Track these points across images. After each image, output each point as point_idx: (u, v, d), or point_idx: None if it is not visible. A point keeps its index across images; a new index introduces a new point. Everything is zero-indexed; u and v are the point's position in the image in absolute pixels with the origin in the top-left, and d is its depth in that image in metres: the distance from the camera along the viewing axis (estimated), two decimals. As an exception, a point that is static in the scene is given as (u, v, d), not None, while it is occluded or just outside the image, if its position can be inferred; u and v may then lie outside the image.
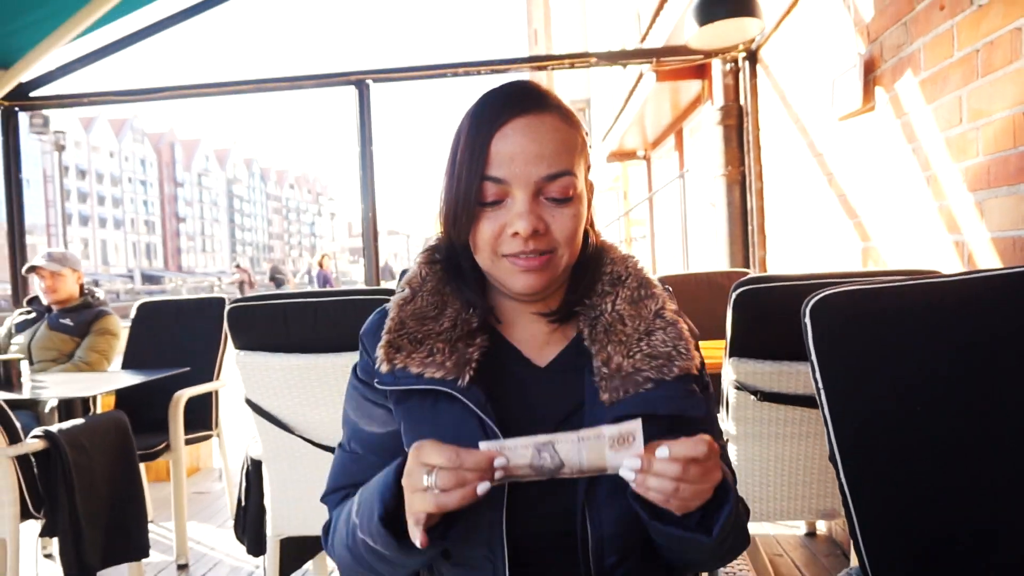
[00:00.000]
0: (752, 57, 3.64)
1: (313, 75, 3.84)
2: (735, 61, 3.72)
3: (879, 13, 2.30)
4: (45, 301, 3.28)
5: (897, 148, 2.23)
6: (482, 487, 0.66)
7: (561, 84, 19.47)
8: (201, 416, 3.11)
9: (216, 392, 3.18)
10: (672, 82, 6.17)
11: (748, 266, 3.78)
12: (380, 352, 0.83)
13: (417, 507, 0.67)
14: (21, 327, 3.31)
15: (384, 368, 0.83)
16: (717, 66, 3.80)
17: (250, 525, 2.07)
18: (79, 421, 2.29)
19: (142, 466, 2.54)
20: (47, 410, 2.89)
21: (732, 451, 1.78)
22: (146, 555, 2.38)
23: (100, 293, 3.48)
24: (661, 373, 0.81)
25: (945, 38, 1.90)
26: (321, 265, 16.04)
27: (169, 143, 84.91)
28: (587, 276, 0.88)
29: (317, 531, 1.98)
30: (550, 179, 0.78)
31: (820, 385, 1.03)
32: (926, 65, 2.02)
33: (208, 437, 3.16)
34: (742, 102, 3.74)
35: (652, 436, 0.82)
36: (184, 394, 2.82)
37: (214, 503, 3.54)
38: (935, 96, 1.98)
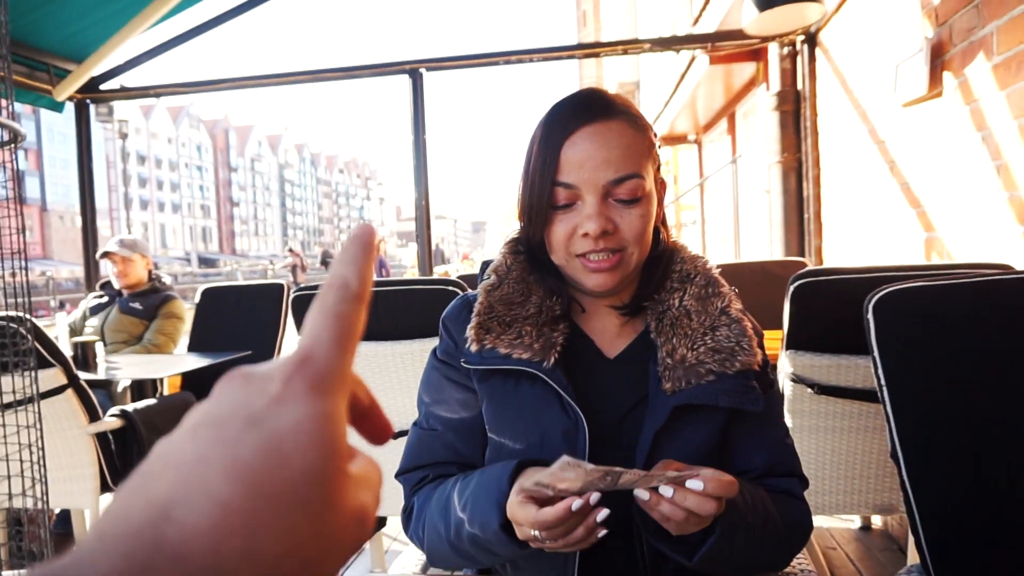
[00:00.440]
0: (811, 41, 3.55)
1: (368, 65, 3.90)
2: (793, 45, 3.63)
3: (948, -5, 2.22)
4: (116, 285, 3.43)
5: (965, 135, 2.16)
6: (601, 516, 0.72)
7: (610, 67, 19.20)
8: (262, 398, 3.22)
9: (276, 375, 3.28)
10: (725, 65, 6.04)
11: (803, 255, 3.71)
12: (470, 332, 0.88)
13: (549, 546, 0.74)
14: (95, 310, 3.48)
15: (474, 348, 0.88)
16: (774, 50, 3.72)
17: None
18: (152, 401, 2.41)
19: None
20: (119, 390, 3.05)
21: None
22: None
23: (166, 278, 3.63)
24: (723, 367, 0.85)
25: (1020, 22, 1.83)
26: (377, 249, 16.54)
27: (224, 129, 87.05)
28: (658, 272, 0.92)
29: (382, 512, 2.06)
30: (617, 182, 0.83)
31: (883, 382, 1.03)
32: (999, 49, 1.94)
33: (268, 418, 3.27)
34: (799, 87, 3.65)
35: (711, 426, 0.87)
36: (247, 376, 2.92)
37: (273, 481, 3.67)
38: (1009, 82, 1.91)
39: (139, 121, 69.94)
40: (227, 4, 4.08)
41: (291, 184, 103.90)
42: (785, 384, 1.75)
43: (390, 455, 1.93)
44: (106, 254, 3.40)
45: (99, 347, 2.88)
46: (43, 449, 1.41)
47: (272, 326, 3.29)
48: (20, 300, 1.45)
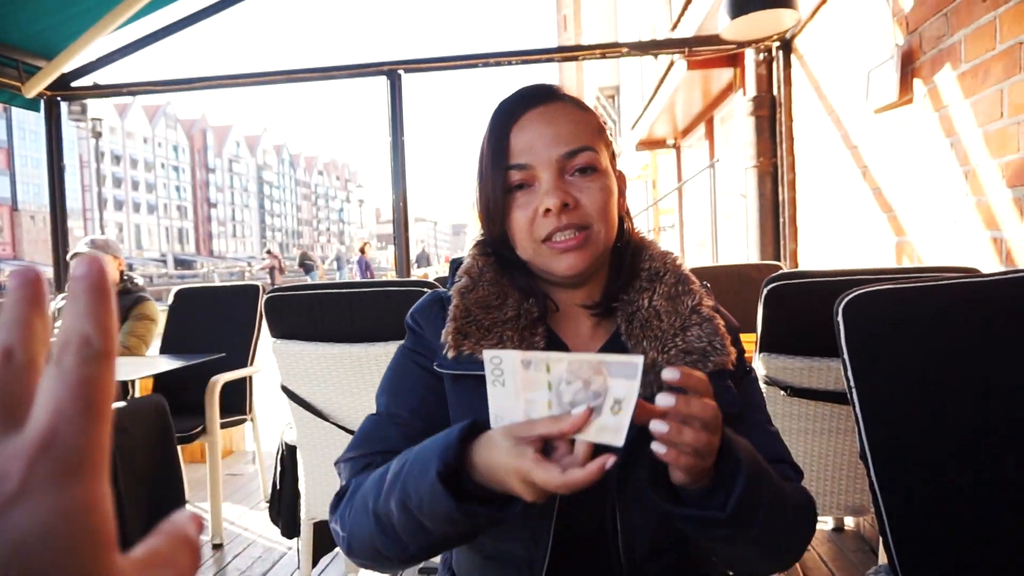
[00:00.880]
0: (786, 47, 3.59)
1: (346, 66, 3.88)
2: (769, 51, 3.67)
3: (919, 3, 2.26)
4: (86, 286, 3.37)
5: (935, 142, 2.19)
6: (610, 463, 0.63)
7: (591, 71, 19.29)
8: (236, 400, 3.19)
9: (250, 377, 3.25)
10: (703, 70, 6.10)
11: (779, 259, 3.75)
12: (448, 338, 0.85)
13: (530, 494, 0.66)
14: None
15: (451, 353, 0.84)
16: (750, 56, 3.76)
17: (285, 508, 2.13)
18: (121, 404, 2.37)
19: (179, 448, 2.62)
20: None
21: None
22: (184, 534, 2.45)
23: (139, 279, 3.57)
24: (695, 369, 0.81)
25: (987, 30, 1.87)
26: (363, 252, 16.61)
27: (201, 129, 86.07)
28: (626, 266, 0.90)
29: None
30: (571, 155, 0.82)
31: (852, 383, 1.04)
32: (967, 57, 1.98)
33: (242, 421, 3.24)
34: (775, 92, 3.69)
35: None
36: (220, 379, 2.89)
37: (247, 485, 3.63)
38: (975, 89, 1.94)
39: (114, 120, 68.92)
40: (203, 2, 4.03)
41: (270, 185, 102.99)
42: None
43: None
44: (76, 255, 3.34)
45: (68, 349, 2.82)
46: None
47: (247, 328, 3.25)
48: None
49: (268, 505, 2.26)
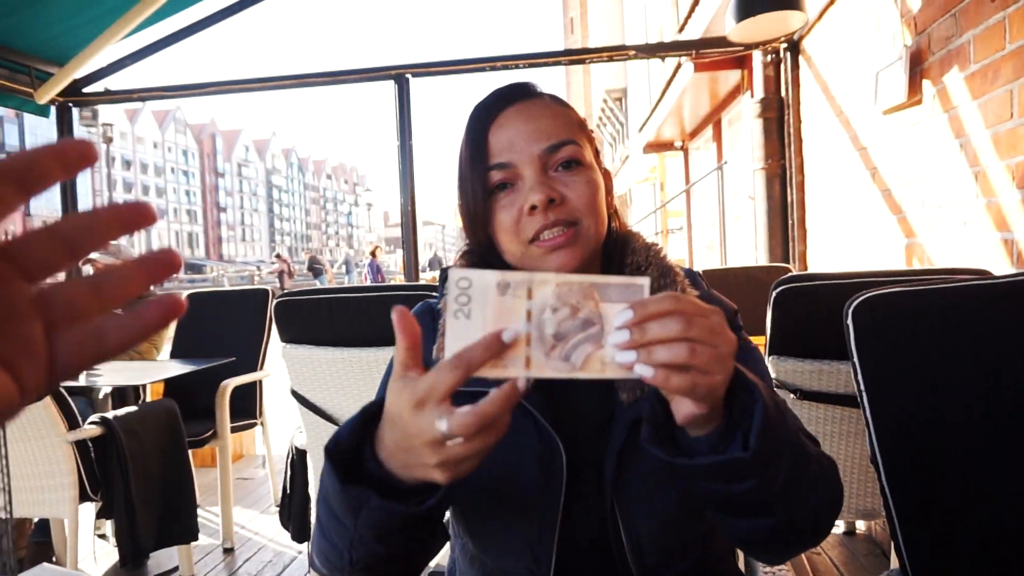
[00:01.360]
0: (794, 48, 3.58)
1: (353, 70, 3.90)
2: (776, 52, 3.66)
3: (927, 4, 2.25)
4: (98, 292, 3.40)
5: (944, 143, 2.18)
6: (520, 382, 0.52)
7: (598, 74, 19.30)
8: (246, 405, 3.20)
9: (260, 382, 3.26)
10: (710, 72, 6.09)
11: (788, 261, 3.74)
12: (440, 355, 0.82)
13: (434, 460, 0.54)
14: (76, 316, 3.44)
15: None
16: (757, 57, 3.75)
17: (295, 512, 2.14)
18: (133, 409, 2.38)
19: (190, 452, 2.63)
20: (101, 396, 3.01)
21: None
22: (195, 538, 2.47)
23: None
24: None
25: (996, 30, 1.86)
26: (373, 255, 16.72)
27: (210, 134, 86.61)
28: (615, 263, 0.86)
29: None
30: (552, 150, 0.78)
31: (862, 387, 1.03)
32: (976, 58, 1.97)
33: (252, 425, 3.25)
34: (783, 94, 3.69)
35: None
36: (231, 383, 2.90)
37: (257, 489, 3.64)
38: (985, 90, 1.94)
39: (124, 125, 69.42)
40: (212, 8, 4.07)
41: (279, 189, 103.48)
42: (768, 389, 1.76)
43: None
44: (88, 260, 3.37)
45: (80, 354, 2.84)
46: (7, 458, 1.38)
47: (256, 332, 3.27)
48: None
49: (279, 509, 2.26)
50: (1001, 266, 1.88)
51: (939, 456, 1.01)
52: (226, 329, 3.34)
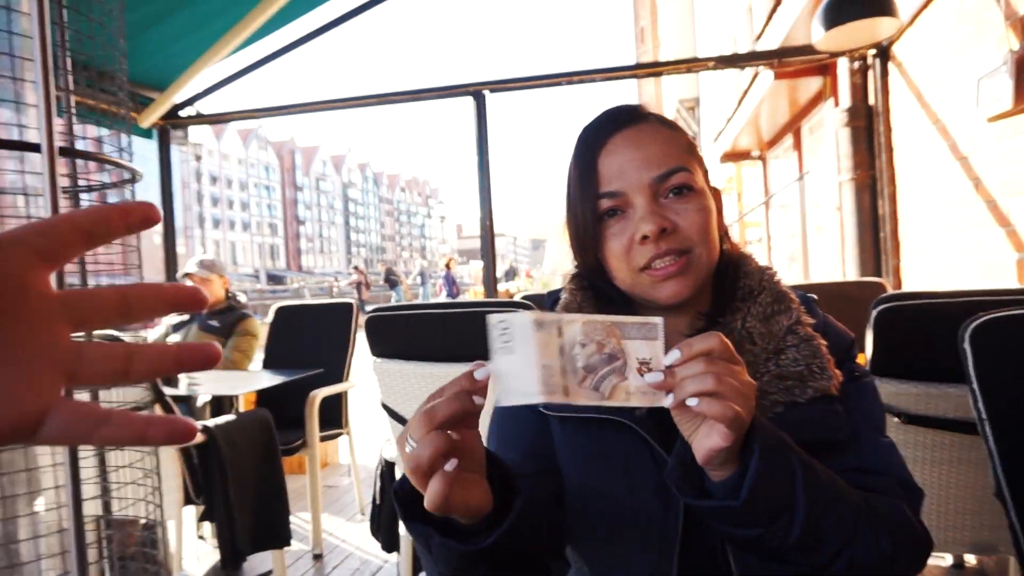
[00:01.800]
0: (883, 55, 3.45)
1: (434, 88, 3.99)
2: (864, 59, 3.54)
3: (1037, 6, 2.13)
4: (196, 304, 3.59)
5: (1058, 152, 2.06)
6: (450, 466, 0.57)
7: (669, 84, 19.06)
8: (332, 415, 3.30)
9: (346, 392, 3.36)
10: (790, 80, 5.93)
11: (879, 275, 3.59)
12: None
13: (405, 468, 0.59)
14: (176, 327, 3.64)
15: None
16: (843, 65, 3.63)
17: (384, 523, 2.19)
18: (231, 417, 2.50)
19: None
20: (199, 404, 3.17)
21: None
22: (288, 544, 2.56)
23: (241, 297, 3.77)
24: (792, 395, 0.75)
25: (1119, 33, 1.75)
26: (448, 267, 16.90)
27: (290, 150, 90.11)
28: (727, 286, 0.84)
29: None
30: (663, 178, 0.78)
31: (983, 415, 0.99)
32: (1094, 62, 1.85)
33: (339, 435, 3.35)
34: (871, 102, 3.55)
35: None
36: (319, 394, 3.00)
37: (342, 497, 3.74)
38: (1105, 96, 1.82)
39: (211, 143, 73.06)
40: (295, 34, 4.25)
41: (354, 203, 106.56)
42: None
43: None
44: (186, 275, 3.56)
45: (181, 364, 3.00)
46: (158, 464, 1.47)
47: (342, 344, 3.37)
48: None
49: (369, 519, 2.32)
50: None
51: (1071, 490, 0.95)
52: (314, 341, 3.46)
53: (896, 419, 1.62)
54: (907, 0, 3.06)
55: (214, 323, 3.56)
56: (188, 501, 2.36)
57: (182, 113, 4.68)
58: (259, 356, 3.67)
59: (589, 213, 0.80)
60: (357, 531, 3.17)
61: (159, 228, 5.01)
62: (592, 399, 0.58)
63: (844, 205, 3.69)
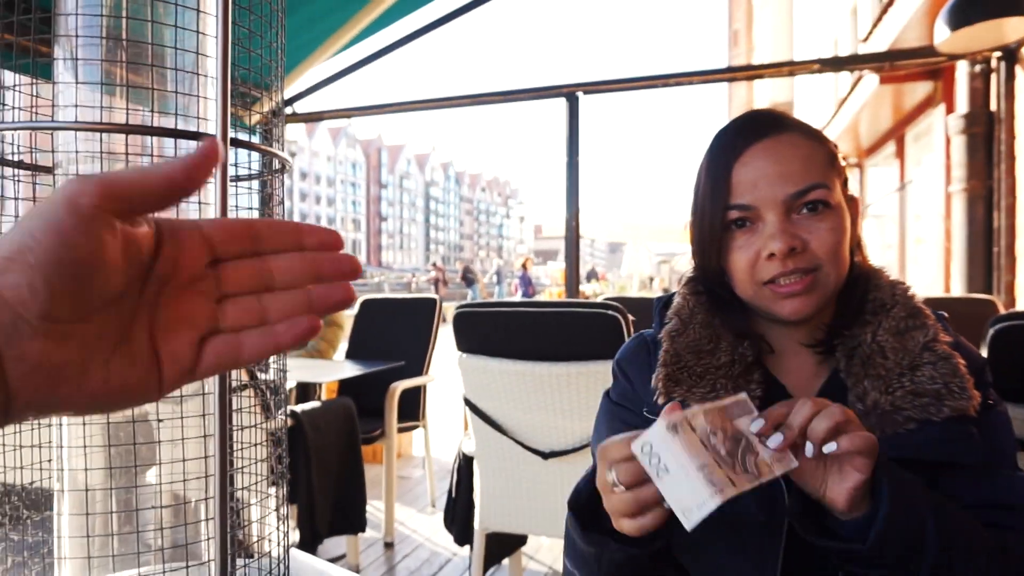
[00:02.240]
0: (1010, 57, 3.21)
1: (527, 89, 4.00)
2: (987, 62, 3.30)
3: None
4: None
5: None
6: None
7: (761, 87, 18.51)
8: (410, 407, 3.35)
9: (425, 386, 3.41)
10: (895, 85, 5.64)
11: (990, 292, 3.35)
12: (659, 384, 0.83)
13: (612, 507, 0.65)
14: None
15: (662, 400, 0.82)
16: (962, 68, 3.41)
17: (459, 517, 2.20)
18: (316, 404, 2.57)
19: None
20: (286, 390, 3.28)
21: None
22: (363, 530, 2.61)
23: (330, 288, 3.89)
24: (927, 413, 0.74)
25: None
26: (524, 267, 17.01)
27: (376, 149, 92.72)
28: (854, 301, 0.82)
29: (520, 530, 2.08)
30: (798, 195, 0.76)
31: None
32: None
33: (415, 427, 3.40)
34: (993, 107, 3.32)
35: None
36: (400, 386, 3.05)
37: (415, 488, 3.80)
38: None
39: (304, 141, 76.05)
40: (393, 36, 4.33)
41: (435, 201, 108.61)
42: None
43: (529, 475, 1.94)
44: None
45: (270, 350, 3.12)
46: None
47: (424, 339, 3.42)
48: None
49: (443, 511, 2.34)
50: None
51: None
52: (397, 334, 3.52)
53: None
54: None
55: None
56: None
57: (287, 110, 4.86)
58: (343, 347, 3.77)
59: (717, 221, 0.80)
60: (428, 522, 3.21)
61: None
62: (753, 482, 0.60)
63: (954, 217, 3.46)
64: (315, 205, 79.97)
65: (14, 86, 0.78)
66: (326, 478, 2.47)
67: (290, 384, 3.24)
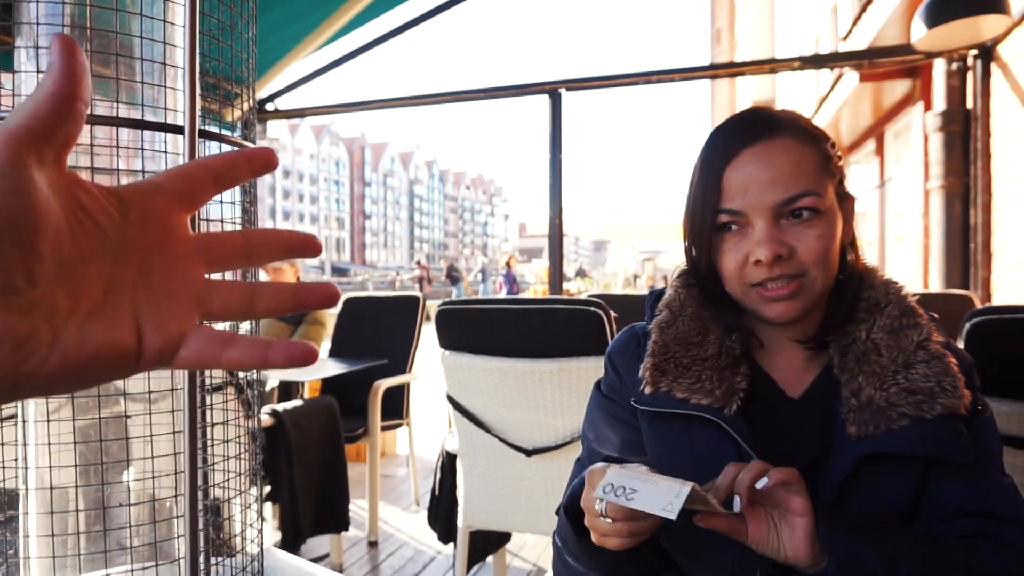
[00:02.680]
0: (986, 55, 3.26)
1: (509, 86, 3.99)
2: (963, 60, 3.34)
3: None
4: (268, 292, 3.70)
5: None
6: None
7: (743, 84, 18.64)
8: (394, 405, 3.34)
9: (408, 384, 3.40)
10: (875, 83, 5.69)
11: (967, 287, 3.40)
12: (645, 374, 0.84)
13: (597, 528, 0.71)
14: (248, 313, 3.76)
15: (648, 390, 0.83)
16: (939, 66, 3.45)
17: (442, 515, 2.19)
18: (299, 403, 2.55)
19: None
20: (267, 389, 3.26)
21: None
22: (346, 529, 2.60)
23: (312, 286, 3.86)
24: (920, 410, 0.75)
25: None
26: (509, 265, 16.98)
27: (360, 146, 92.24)
28: (845, 300, 0.83)
29: (504, 527, 2.07)
30: (787, 203, 0.77)
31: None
32: None
33: (399, 425, 3.39)
34: (969, 105, 3.36)
35: (906, 479, 0.78)
36: (383, 384, 3.04)
37: (398, 487, 3.79)
38: None
39: (286, 138, 75.50)
40: (374, 33, 4.31)
41: (420, 199, 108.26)
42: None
43: (512, 472, 1.93)
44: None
45: (252, 348, 3.09)
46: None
47: (408, 336, 3.41)
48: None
49: (427, 509, 2.34)
50: None
51: None
52: (380, 332, 3.51)
53: (992, 441, 1.51)
54: (1014, -2, 2.88)
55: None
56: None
57: (267, 107, 4.82)
58: (326, 345, 3.75)
59: (708, 223, 0.81)
60: (412, 521, 3.20)
61: (234, 221, 5.19)
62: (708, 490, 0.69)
63: (932, 214, 3.51)
64: (298, 203, 79.43)
65: (-24, 77, 0.76)
66: (309, 477, 2.45)
67: (272, 383, 3.22)
